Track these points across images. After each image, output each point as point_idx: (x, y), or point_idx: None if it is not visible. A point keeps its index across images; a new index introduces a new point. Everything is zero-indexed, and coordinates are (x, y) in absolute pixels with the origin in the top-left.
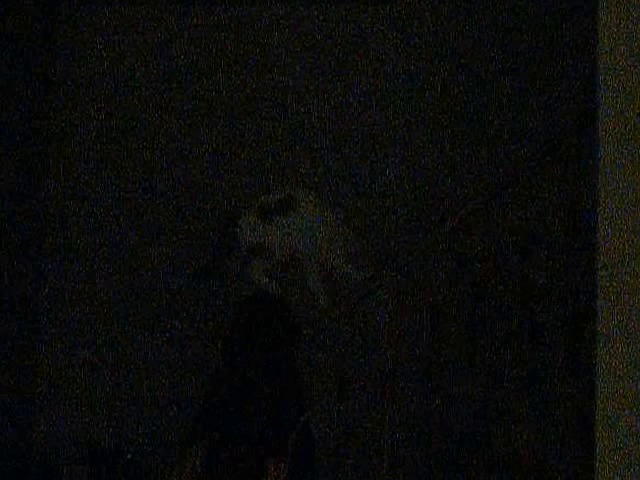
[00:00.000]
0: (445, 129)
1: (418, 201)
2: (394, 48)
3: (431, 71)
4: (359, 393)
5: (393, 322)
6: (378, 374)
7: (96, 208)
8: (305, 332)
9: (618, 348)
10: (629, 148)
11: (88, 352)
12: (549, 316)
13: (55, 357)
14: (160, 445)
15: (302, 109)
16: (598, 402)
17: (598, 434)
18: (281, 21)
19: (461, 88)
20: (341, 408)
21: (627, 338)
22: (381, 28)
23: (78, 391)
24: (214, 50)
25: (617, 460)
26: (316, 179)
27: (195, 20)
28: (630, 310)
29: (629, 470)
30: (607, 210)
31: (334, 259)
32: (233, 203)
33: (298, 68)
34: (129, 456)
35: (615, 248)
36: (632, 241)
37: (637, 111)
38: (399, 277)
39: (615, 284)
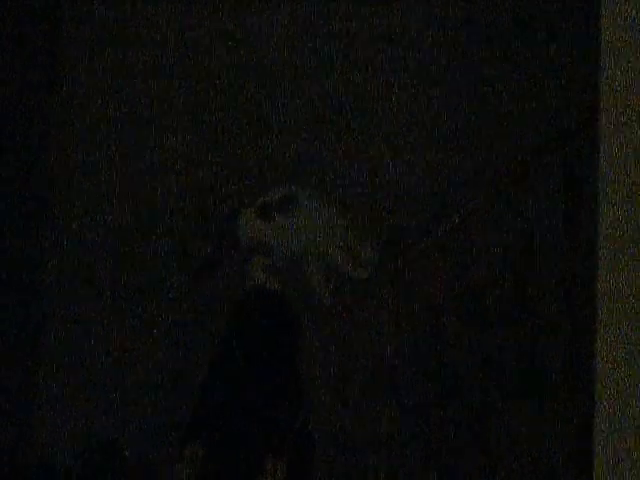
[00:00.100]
0: (446, 128)
1: (419, 201)
2: (395, 44)
3: (433, 67)
4: (359, 393)
5: (393, 322)
6: (378, 373)
7: (96, 207)
8: (305, 330)
9: (618, 348)
10: (629, 148)
11: (88, 352)
12: (549, 316)
13: (55, 357)
14: (159, 444)
15: (302, 107)
16: (598, 402)
17: (596, 433)
18: (283, 20)
19: (462, 87)
20: (341, 408)
21: (627, 338)
22: (380, 25)
23: (78, 391)
24: (217, 49)
25: (617, 460)
26: (317, 177)
27: (198, 20)
28: (630, 310)
29: (629, 470)
30: (607, 210)
31: (335, 258)
32: (233, 202)
33: (299, 63)
34: (126, 454)
35: (615, 248)
36: (632, 241)
37: (637, 111)
38: (399, 277)
39: (615, 284)
